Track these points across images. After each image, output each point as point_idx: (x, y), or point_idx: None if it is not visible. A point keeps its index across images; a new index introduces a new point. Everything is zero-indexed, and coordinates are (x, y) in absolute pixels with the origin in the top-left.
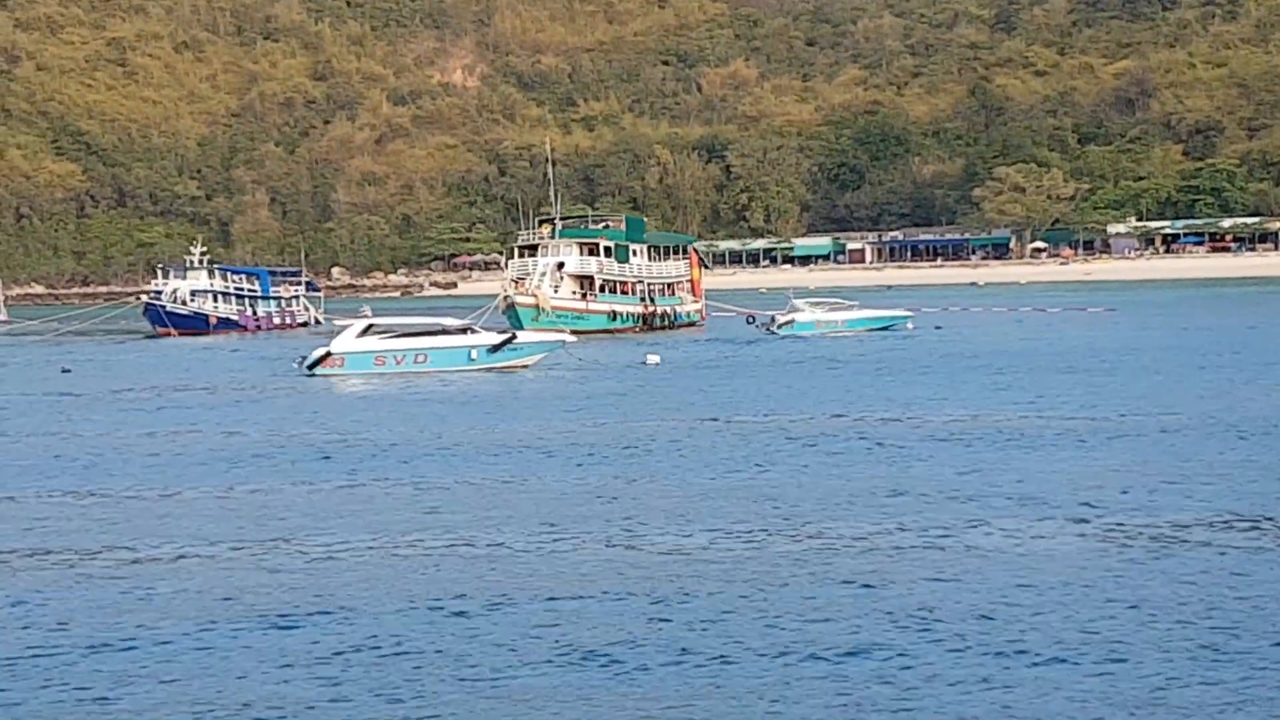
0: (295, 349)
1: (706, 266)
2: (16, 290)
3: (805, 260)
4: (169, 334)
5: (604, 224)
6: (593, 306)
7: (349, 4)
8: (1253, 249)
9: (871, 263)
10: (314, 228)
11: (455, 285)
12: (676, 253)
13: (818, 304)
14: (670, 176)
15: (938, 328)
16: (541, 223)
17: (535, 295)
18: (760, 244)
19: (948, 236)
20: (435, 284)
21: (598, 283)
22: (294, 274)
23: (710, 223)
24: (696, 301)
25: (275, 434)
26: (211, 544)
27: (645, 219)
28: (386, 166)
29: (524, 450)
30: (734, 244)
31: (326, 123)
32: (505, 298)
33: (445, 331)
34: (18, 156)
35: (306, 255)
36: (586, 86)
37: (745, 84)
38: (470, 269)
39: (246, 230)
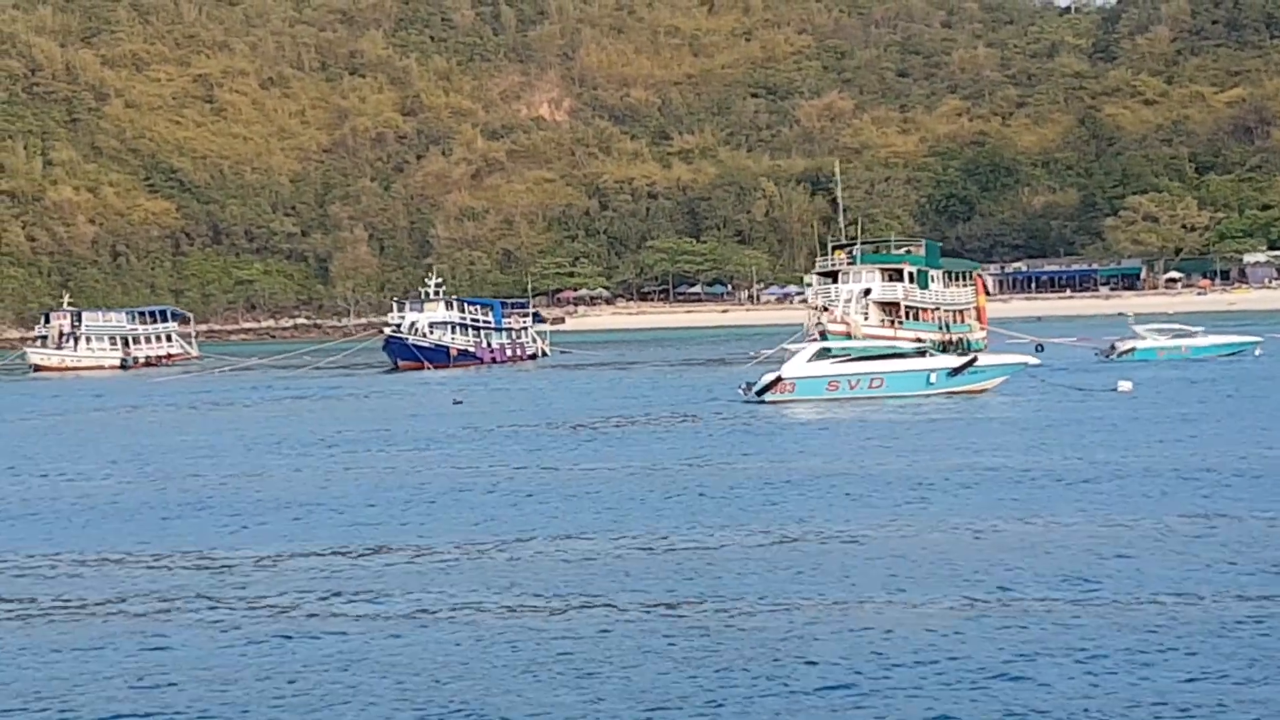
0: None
1: (989, 293)
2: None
3: None
4: (417, 367)
5: (905, 249)
6: (900, 334)
7: (433, 39)
8: None
9: (995, 295)
10: (413, 264)
11: (562, 320)
12: (965, 278)
13: (1160, 330)
14: (776, 209)
15: None
16: (836, 248)
17: (847, 322)
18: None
19: (1075, 267)
20: (542, 319)
21: (903, 309)
22: (522, 305)
23: (817, 255)
24: (983, 329)
25: (834, 462)
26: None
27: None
28: (484, 201)
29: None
30: None
31: (419, 158)
32: (817, 325)
33: (901, 355)
34: (111, 194)
35: (407, 292)
36: (679, 120)
37: (842, 115)
38: (576, 304)
39: (346, 267)
